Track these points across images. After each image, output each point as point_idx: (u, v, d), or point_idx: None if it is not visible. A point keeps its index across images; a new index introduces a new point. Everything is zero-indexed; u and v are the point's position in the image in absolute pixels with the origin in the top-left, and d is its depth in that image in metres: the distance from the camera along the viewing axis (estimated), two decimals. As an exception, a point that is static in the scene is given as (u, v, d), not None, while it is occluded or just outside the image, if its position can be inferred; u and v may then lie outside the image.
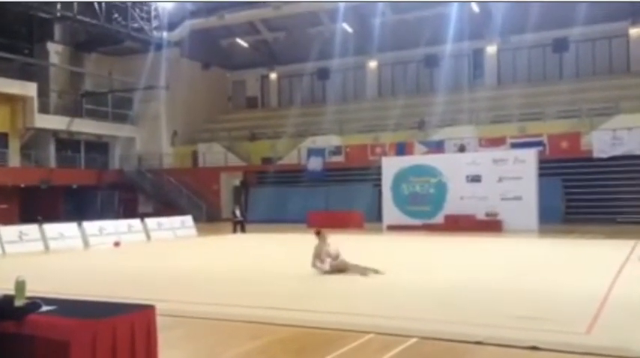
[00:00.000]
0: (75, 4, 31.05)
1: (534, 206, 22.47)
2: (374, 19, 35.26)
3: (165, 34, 35.90)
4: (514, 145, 26.49)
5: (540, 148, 25.61)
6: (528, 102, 31.33)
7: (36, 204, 30.75)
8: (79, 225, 19.69)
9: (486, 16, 33.30)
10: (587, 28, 31.48)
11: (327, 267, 10.81)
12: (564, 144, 26.84)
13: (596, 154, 25.67)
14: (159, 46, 35.77)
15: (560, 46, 33.75)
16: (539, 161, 23.56)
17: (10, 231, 17.79)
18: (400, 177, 25.08)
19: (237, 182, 35.15)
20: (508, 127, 29.60)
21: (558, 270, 11.49)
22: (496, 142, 27.50)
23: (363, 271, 10.56)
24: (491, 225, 22.36)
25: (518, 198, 22.58)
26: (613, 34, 32.74)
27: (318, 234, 11.14)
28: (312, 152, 32.42)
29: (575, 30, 31.56)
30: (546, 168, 24.54)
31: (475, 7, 33.09)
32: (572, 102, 29.92)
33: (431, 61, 36.44)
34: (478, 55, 36.20)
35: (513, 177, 22.76)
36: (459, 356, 5.80)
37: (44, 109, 33.52)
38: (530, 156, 23.19)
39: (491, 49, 35.52)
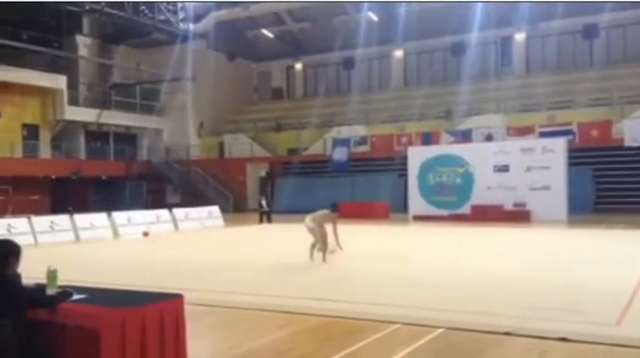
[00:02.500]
0: (103, -3, 31.40)
1: (563, 196, 22.13)
2: (399, 7, 34.88)
3: (191, 25, 36.07)
4: (543, 134, 26.06)
5: (570, 137, 25.16)
6: (557, 90, 30.77)
7: (66, 195, 31.30)
8: (109, 215, 20.03)
9: (514, 3, 32.71)
10: (618, 13, 30.76)
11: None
12: (595, 133, 26.31)
13: (627, 143, 25.11)
14: (185, 38, 35.97)
15: (590, 32, 33.04)
16: (569, 150, 23.19)
17: (41, 222, 18.16)
18: (426, 167, 24.91)
19: (263, 173, 35.32)
20: (537, 116, 29.14)
21: (588, 261, 11.33)
22: (524, 131, 27.09)
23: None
24: (519, 216, 22.10)
25: (546, 188, 22.26)
26: (645, 20, 31.95)
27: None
28: (337, 142, 32.35)
29: (606, 16, 30.83)
30: (576, 158, 24.13)
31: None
32: (603, 90, 29.31)
33: (457, 50, 36.00)
34: (506, 42, 35.64)
35: (542, 166, 22.44)
36: (487, 346, 5.76)
37: (74, 101, 34.03)
38: (560, 145, 22.82)
39: (519, 37, 34.95)
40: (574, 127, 26.53)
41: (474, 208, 23.29)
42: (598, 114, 27.77)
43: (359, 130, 33.19)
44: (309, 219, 11.63)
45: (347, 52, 38.14)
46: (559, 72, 33.29)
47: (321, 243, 11.33)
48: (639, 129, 25.10)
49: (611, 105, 28.39)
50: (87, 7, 31.82)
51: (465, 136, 28.45)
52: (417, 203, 24.96)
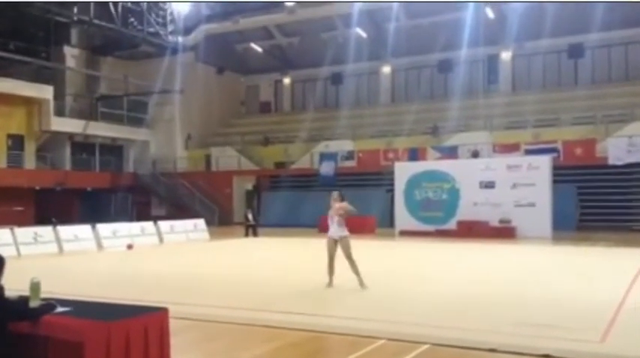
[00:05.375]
0: (91, 8, 31.37)
1: (548, 213, 22.30)
2: (388, 24, 35.21)
3: (180, 38, 36.15)
4: (528, 151, 26.32)
5: (555, 155, 25.42)
6: (543, 108, 31.13)
7: (51, 207, 30.98)
8: (93, 227, 19.84)
9: (501, 21, 33.15)
10: (603, 34, 31.22)
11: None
12: (579, 151, 26.62)
13: (611, 161, 25.44)
14: (174, 51, 36.00)
15: (575, 52, 33.51)
16: (554, 167, 23.41)
17: (25, 233, 17.94)
18: (413, 183, 25.01)
19: (249, 186, 35.25)
20: (522, 133, 29.42)
21: (572, 278, 11.39)
22: (510, 148, 27.34)
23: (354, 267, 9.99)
24: (504, 232, 22.22)
25: (532, 205, 22.43)
26: (629, 40, 32.45)
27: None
28: (324, 157, 32.41)
29: (591, 36, 31.30)
30: (561, 175, 24.36)
31: (490, 13, 32.97)
32: (588, 109, 29.69)
33: (445, 67, 36.33)
34: (493, 60, 36.03)
35: (527, 183, 22.62)
36: (472, 363, 5.77)
37: (60, 112, 33.81)
38: (545, 162, 23.04)
39: (506, 55, 35.35)
40: (559, 145, 26.81)
41: (460, 224, 23.38)
42: (582, 133, 28.11)
43: (346, 145, 33.29)
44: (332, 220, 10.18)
45: (335, 68, 38.35)
46: (545, 90, 33.68)
47: (351, 265, 9.89)
48: (623, 147, 25.42)
49: (595, 124, 28.74)
50: (75, 19, 31.81)
51: (452, 153, 28.63)
52: (403, 218, 25.02)
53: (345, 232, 10.18)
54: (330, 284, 10.09)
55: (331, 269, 10.15)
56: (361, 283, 9.86)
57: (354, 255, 10.00)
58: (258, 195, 34.01)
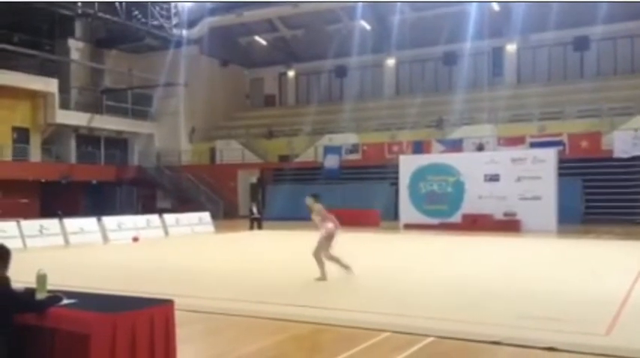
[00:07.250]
0: (96, 1, 31.33)
1: (553, 206, 22.25)
2: (392, 16, 35.10)
3: (184, 31, 36.07)
4: (533, 144, 26.23)
5: (560, 148, 25.35)
6: (548, 101, 31.01)
7: (56, 199, 31.11)
8: (99, 220, 19.92)
9: (506, 13, 32.98)
10: (609, 26, 31.05)
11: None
12: (584, 144, 26.54)
13: (616, 154, 25.34)
14: (178, 44, 35.95)
15: (581, 44, 33.35)
16: (559, 161, 23.33)
17: (31, 226, 18.02)
18: (417, 176, 24.98)
19: (254, 179, 35.29)
20: (528, 126, 29.33)
21: (577, 271, 11.38)
22: (515, 141, 27.26)
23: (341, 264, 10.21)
24: (509, 225, 22.18)
25: (537, 198, 22.37)
26: (635, 33, 32.27)
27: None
28: (328, 150, 32.40)
29: (597, 28, 31.13)
30: (566, 168, 24.29)
31: (495, 5, 32.80)
32: (593, 102, 29.55)
33: (450, 59, 36.21)
34: (498, 53, 35.88)
35: (532, 176, 22.55)
36: (476, 356, 5.78)
37: (65, 105, 33.88)
38: (550, 155, 22.96)
39: (511, 48, 35.20)
40: (564, 138, 26.73)
41: (465, 217, 23.36)
42: (588, 126, 28.01)
43: (350, 138, 33.25)
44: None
45: (340, 60, 38.27)
46: (550, 83, 33.55)
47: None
48: (628, 140, 25.33)
49: (600, 116, 28.62)
50: (80, 11, 31.77)
51: (456, 146, 28.58)
52: (408, 211, 25.00)
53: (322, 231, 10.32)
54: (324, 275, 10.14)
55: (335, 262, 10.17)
56: (346, 268, 9.99)
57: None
58: (262, 188, 34.05)
